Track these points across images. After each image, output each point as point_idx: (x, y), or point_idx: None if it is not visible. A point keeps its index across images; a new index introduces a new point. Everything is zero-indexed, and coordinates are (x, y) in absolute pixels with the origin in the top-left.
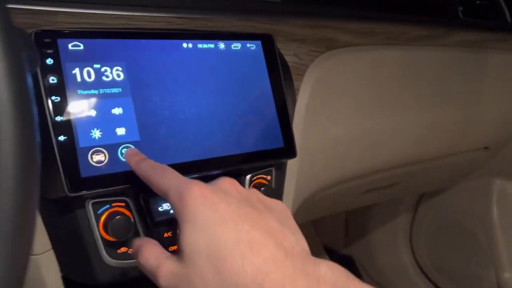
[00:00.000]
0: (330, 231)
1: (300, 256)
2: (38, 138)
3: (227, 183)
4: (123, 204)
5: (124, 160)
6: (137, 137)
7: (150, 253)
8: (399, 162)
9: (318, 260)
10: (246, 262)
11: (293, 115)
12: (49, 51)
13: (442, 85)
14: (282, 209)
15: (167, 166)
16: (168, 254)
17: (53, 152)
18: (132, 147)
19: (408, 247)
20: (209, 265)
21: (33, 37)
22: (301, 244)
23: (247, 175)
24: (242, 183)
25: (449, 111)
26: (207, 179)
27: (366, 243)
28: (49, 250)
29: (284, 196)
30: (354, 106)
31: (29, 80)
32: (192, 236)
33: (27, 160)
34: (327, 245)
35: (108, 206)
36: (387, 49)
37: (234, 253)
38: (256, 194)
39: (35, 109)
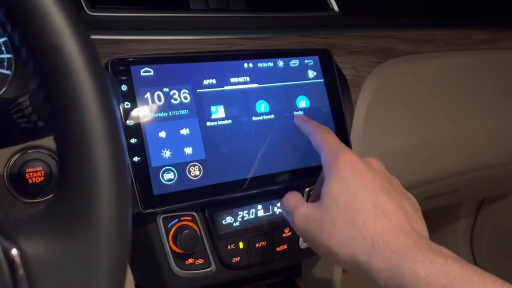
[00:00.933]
0: None
1: (424, 236)
2: (129, 181)
3: (375, 162)
4: (190, 218)
5: (191, 177)
6: (203, 156)
7: (292, 198)
8: (461, 170)
9: (440, 246)
10: (377, 223)
11: (350, 127)
12: (123, 78)
13: (508, 90)
14: (415, 202)
15: (328, 128)
16: (306, 201)
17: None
18: (199, 165)
19: (469, 253)
20: (343, 215)
21: (109, 66)
22: (426, 232)
23: (305, 188)
24: None
25: None
26: (271, 193)
27: None
28: None
29: None
30: (414, 115)
31: (122, 133)
32: (336, 188)
33: (125, 205)
34: None
35: (176, 220)
36: (448, 56)
37: (369, 213)
38: (397, 180)
39: (127, 159)
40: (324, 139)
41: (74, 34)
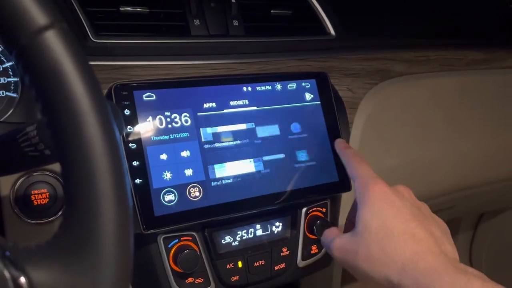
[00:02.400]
0: None
1: (453, 258)
2: (131, 212)
3: (404, 189)
4: (190, 238)
5: (191, 199)
6: (202, 177)
7: (329, 232)
8: (456, 188)
9: (467, 266)
10: (407, 247)
11: None
12: (126, 102)
13: (504, 109)
14: (444, 224)
15: (363, 157)
16: (342, 232)
17: (130, 193)
18: (199, 186)
19: None
20: (376, 242)
21: (112, 91)
22: (455, 253)
23: (303, 208)
24: (298, 216)
25: None
26: (269, 213)
27: None
28: None
29: (340, 227)
30: (409, 135)
31: (126, 169)
32: (368, 217)
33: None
34: None
35: (177, 240)
36: (443, 76)
37: (399, 239)
38: (425, 206)
39: (129, 191)
40: (358, 168)
41: (80, 77)
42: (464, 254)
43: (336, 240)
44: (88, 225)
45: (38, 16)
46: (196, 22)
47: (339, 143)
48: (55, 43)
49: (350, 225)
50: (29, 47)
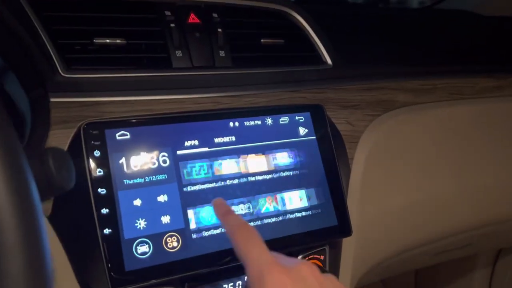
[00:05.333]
0: (400, 286)
1: None
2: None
3: (307, 270)
4: None
5: (168, 250)
6: (181, 225)
7: None
8: (472, 226)
9: None
10: None
11: (347, 187)
12: (96, 143)
13: None
14: None
15: (253, 228)
16: None
17: (98, 244)
18: (177, 235)
19: None
20: None
21: (81, 131)
22: None
23: (298, 255)
24: None
25: None
26: None
27: None
28: None
29: (341, 274)
30: (416, 171)
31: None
32: None
33: None
34: None
35: None
36: (452, 105)
37: None
38: (334, 283)
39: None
40: (247, 249)
41: None
42: None
43: None
44: None
45: None
46: (179, 53)
47: (217, 207)
48: None
49: None
50: None
